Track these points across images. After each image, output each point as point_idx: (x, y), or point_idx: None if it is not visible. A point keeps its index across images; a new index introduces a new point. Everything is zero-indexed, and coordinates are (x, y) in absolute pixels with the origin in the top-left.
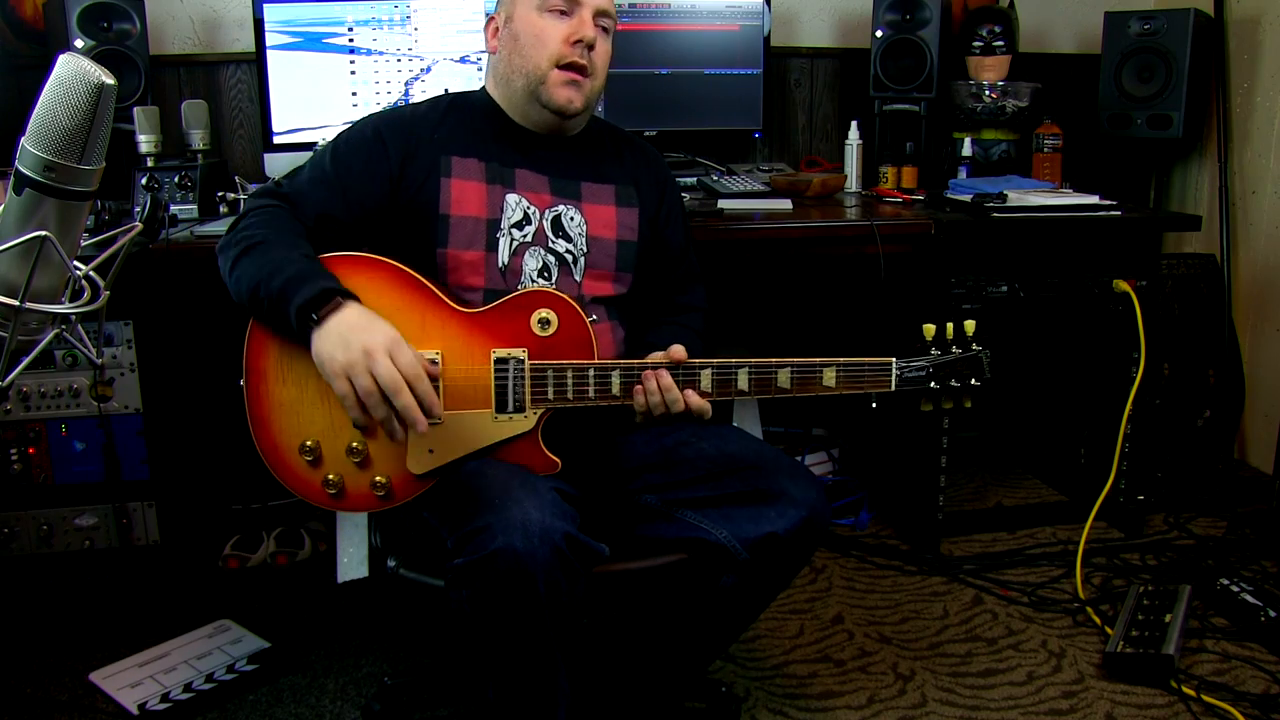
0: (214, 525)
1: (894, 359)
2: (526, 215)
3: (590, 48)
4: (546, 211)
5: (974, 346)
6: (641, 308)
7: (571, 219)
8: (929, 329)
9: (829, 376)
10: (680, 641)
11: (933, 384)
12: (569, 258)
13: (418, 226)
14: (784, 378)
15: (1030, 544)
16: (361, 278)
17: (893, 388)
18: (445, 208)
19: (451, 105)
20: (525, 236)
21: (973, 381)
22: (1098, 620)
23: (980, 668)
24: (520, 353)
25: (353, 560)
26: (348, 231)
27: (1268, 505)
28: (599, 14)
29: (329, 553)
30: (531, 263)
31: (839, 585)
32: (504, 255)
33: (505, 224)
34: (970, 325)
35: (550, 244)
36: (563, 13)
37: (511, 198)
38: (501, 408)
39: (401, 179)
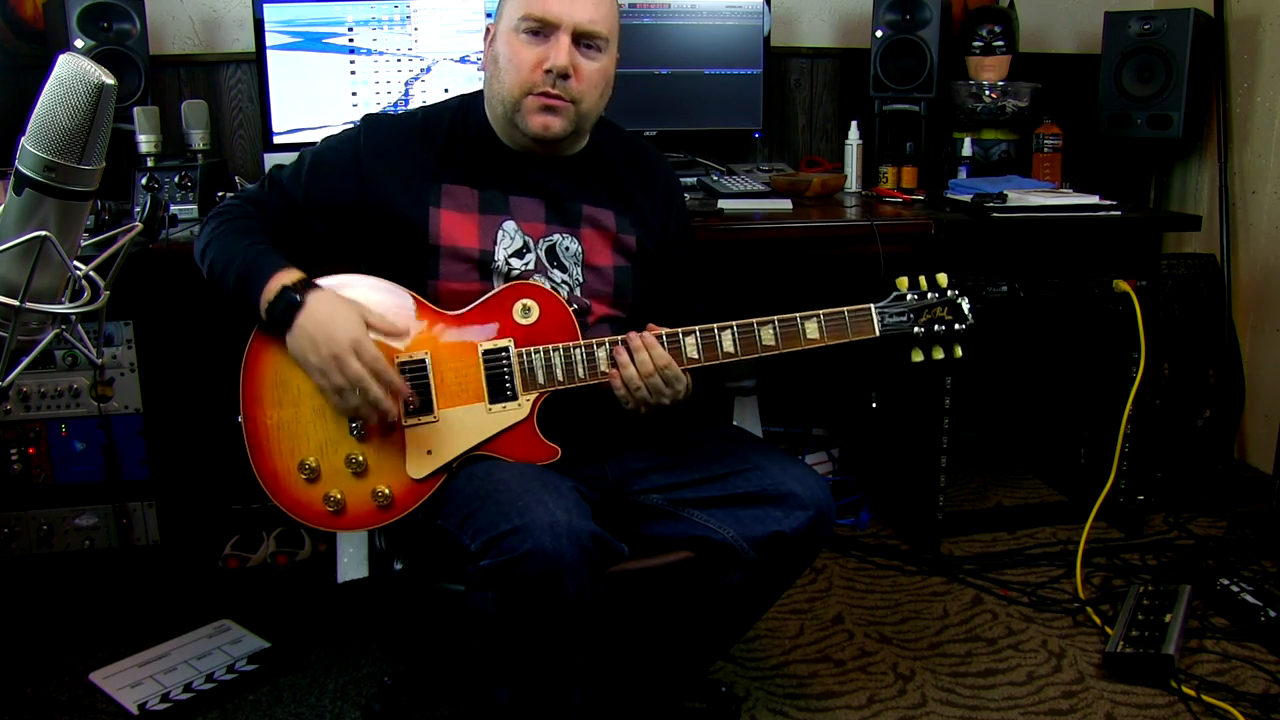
0: (214, 525)
1: (872, 304)
2: (525, 244)
3: (564, 76)
4: (541, 241)
5: (949, 293)
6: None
7: (567, 249)
8: (902, 282)
9: (812, 329)
10: (683, 640)
11: (916, 329)
12: (564, 290)
13: (407, 254)
14: (767, 335)
15: (1030, 544)
16: (345, 290)
17: (878, 333)
18: (435, 238)
19: (454, 122)
20: (526, 264)
21: (957, 327)
22: (1098, 620)
23: (980, 668)
24: (506, 342)
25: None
26: (324, 243)
27: (1268, 505)
28: (581, 36)
29: (329, 553)
30: None
31: (839, 585)
32: (498, 286)
33: (501, 254)
34: (943, 278)
35: (549, 273)
36: (536, 33)
37: (509, 225)
38: (494, 398)
39: (374, 204)
